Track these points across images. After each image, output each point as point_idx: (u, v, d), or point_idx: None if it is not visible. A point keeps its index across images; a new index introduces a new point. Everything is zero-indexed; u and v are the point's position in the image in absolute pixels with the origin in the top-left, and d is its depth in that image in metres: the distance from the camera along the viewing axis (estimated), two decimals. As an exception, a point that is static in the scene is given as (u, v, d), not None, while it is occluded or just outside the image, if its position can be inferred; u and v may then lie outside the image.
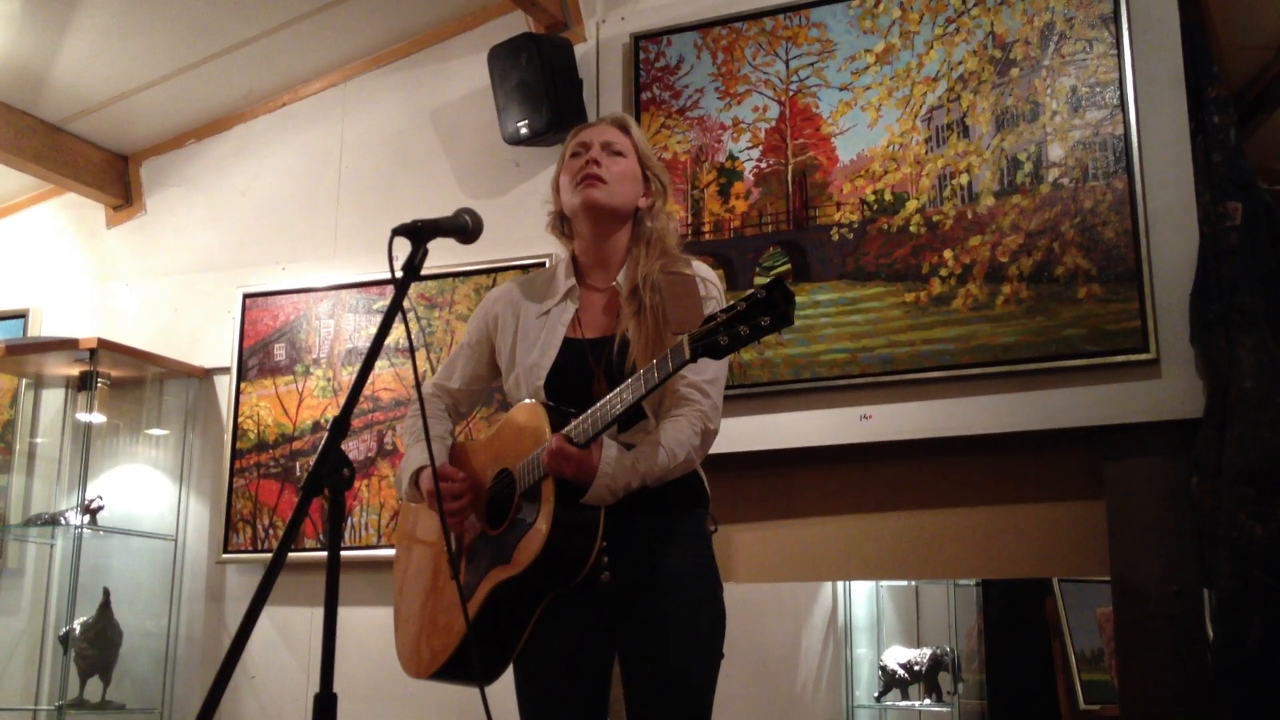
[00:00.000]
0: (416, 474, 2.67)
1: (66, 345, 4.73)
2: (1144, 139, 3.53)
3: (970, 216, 3.70)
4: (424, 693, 3.93)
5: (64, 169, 5.09)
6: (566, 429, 2.40)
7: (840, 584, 4.79)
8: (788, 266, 2.18)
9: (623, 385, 2.33)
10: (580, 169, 2.67)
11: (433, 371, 2.89)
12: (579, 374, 2.58)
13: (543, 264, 4.30)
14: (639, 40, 4.25)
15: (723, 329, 2.16)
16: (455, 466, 2.70)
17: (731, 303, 2.19)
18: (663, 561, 2.52)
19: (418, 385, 2.38)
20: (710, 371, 2.55)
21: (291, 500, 4.60)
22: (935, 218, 3.74)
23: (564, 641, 2.55)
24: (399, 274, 2.18)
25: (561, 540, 2.40)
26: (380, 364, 4.56)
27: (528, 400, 2.59)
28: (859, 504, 3.81)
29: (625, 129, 2.74)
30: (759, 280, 3.91)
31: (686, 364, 2.22)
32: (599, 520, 2.42)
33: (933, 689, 4.75)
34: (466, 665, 2.56)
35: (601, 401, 2.36)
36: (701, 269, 2.68)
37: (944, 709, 4.77)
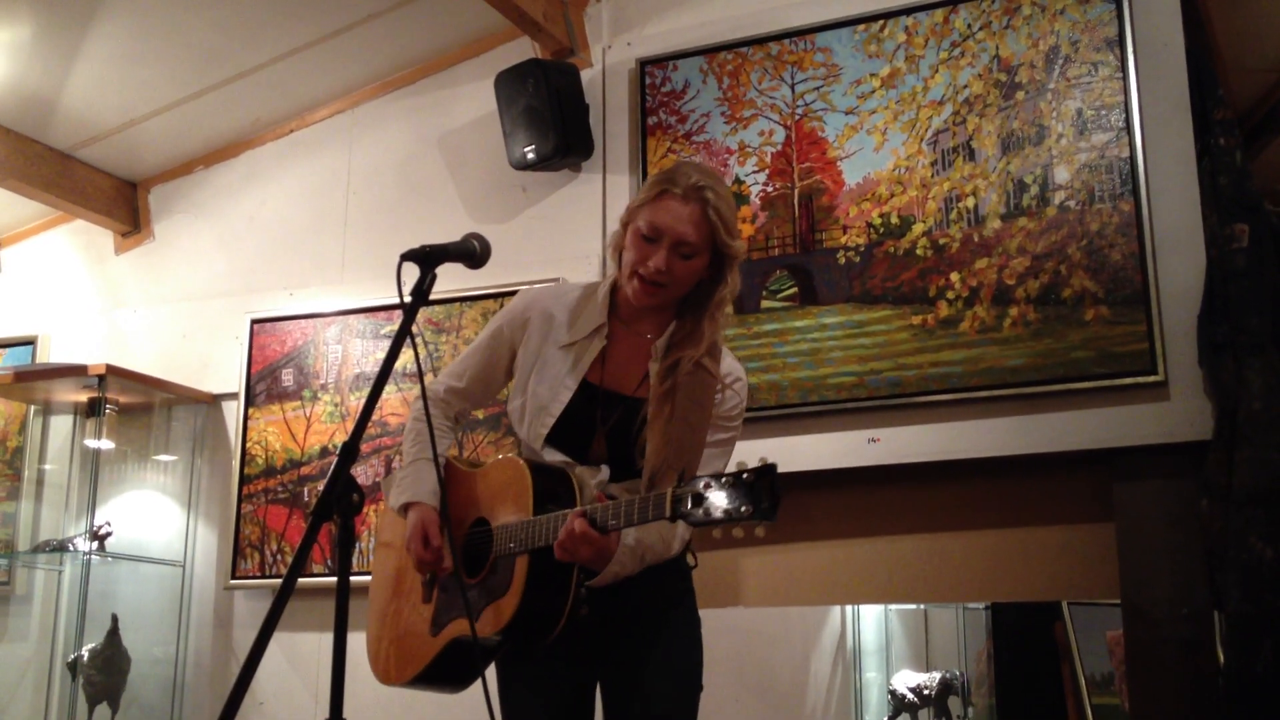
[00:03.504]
0: (406, 505, 2.62)
1: (75, 372, 4.73)
2: (1150, 161, 3.53)
3: (977, 239, 3.71)
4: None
5: (73, 196, 5.11)
6: (590, 509, 2.30)
7: (849, 608, 4.78)
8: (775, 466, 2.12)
9: (642, 500, 2.23)
10: (642, 266, 2.49)
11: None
12: (583, 426, 2.53)
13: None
14: (645, 65, 4.27)
15: (707, 496, 2.09)
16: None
17: (724, 472, 2.12)
18: (640, 594, 2.49)
19: (426, 410, 2.38)
20: (719, 463, 2.51)
21: (299, 526, 4.59)
22: (942, 241, 3.75)
23: (547, 669, 2.54)
24: (408, 299, 2.18)
25: (528, 614, 2.40)
26: (388, 389, 4.55)
27: (517, 459, 2.52)
28: (867, 527, 3.81)
29: (706, 206, 2.47)
30: (766, 304, 3.92)
31: (663, 519, 2.19)
32: (570, 582, 2.38)
33: (942, 713, 4.72)
34: (432, 682, 2.66)
35: (631, 500, 2.25)
36: (732, 369, 2.59)
37: (954, 733, 4.74)
